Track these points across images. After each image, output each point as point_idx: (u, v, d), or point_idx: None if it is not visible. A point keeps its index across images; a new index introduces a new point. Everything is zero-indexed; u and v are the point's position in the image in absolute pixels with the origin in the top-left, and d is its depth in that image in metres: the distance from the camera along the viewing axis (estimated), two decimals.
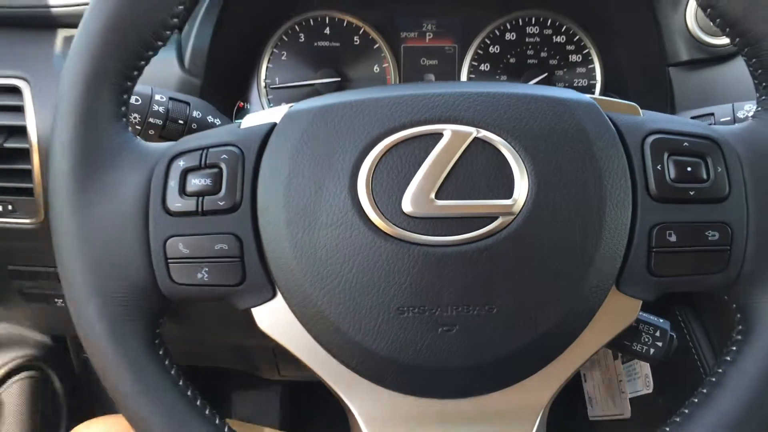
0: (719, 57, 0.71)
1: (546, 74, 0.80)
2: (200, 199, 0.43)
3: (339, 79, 0.81)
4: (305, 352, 0.44)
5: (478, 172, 0.42)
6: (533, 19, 0.81)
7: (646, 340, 0.50)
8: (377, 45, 0.82)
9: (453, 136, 0.42)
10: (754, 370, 0.42)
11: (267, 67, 0.82)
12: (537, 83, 0.79)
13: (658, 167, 0.43)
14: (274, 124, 0.44)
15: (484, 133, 0.42)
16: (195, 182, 0.43)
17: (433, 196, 0.41)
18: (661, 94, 0.72)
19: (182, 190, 0.43)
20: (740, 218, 0.42)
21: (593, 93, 0.81)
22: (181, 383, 0.44)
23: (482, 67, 0.82)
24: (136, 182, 0.44)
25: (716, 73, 0.71)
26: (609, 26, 0.80)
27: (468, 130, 0.42)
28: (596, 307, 0.42)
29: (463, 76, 0.82)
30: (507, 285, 0.41)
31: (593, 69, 0.81)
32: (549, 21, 0.81)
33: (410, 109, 0.43)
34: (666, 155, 0.43)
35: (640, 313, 0.51)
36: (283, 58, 0.82)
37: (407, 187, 0.41)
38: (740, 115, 0.57)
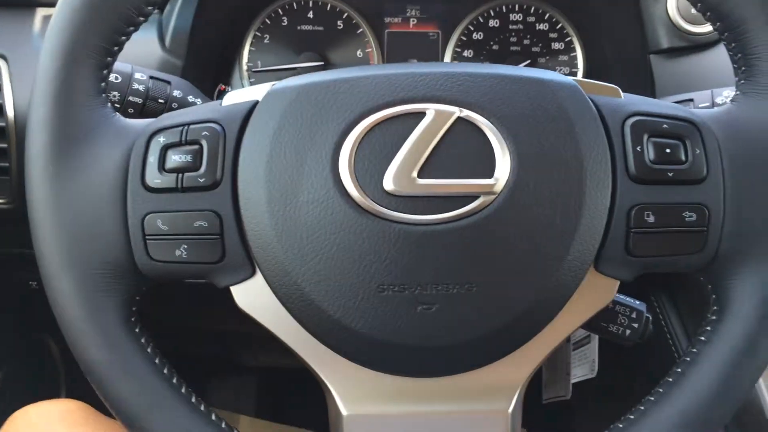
0: (699, 45, 0.72)
1: (528, 61, 0.81)
2: (180, 175, 0.43)
3: (322, 63, 0.81)
4: (283, 331, 0.44)
5: (460, 151, 0.42)
6: (516, 7, 0.81)
7: (623, 321, 0.50)
8: (361, 30, 0.82)
9: (436, 116, 0.42)
10: (729, 350, 0.43)
11: (249, 50, 0.82)
12: None
13: (638, 148, 0.43)
14: (257, 102, 0.44)
15: (467, 113, 0.42)
16: (175, 158, 0.43)
17: (415, 174, 0.41)
18: (642, 82, 0.73)
19: (162, 167, 0.43)
20: (717, 200, 0.43)
21: None
22: (157, 361, 0.44)
23: (465, 53, 0.82)
24: (114, 158, 0.43)
25: (696, 61, 0.72)
26: (591, 14, 0.80)
27: (451, 109, 0.42)
28: (574, 287, 0.43)
29: None
30: (487, 264, 0.41)
31: (575, 57, 0.82)
32: (532, 8, 0.81)
33: (394, 88, 0.43)
34: (646, 137, 0.43)
35: (617, 295, 0.52)
36: (265, 41, 0.82)
37: (389, 166, 0.41)
38: (719, 100, 0.58)
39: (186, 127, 0.43)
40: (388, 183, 0.41)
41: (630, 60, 0.76)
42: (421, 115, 0.42)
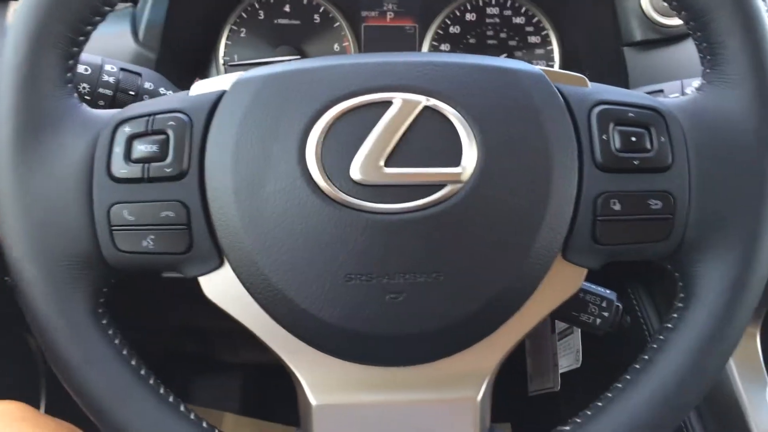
0: (672, 37, 0.72)
1: (506, 55, 0.81)
2: (146, 165, 0.42)
3: (298, 57, 0.81)
4: (252, 321, 0.44)
5: (427, 140, 0.42)
6: (493, 0, 0.81)
7: (593, 310, 0.50)
8: (337, 23, 0.82)
9: (403, 105, 0.42)
10: (695, 336, 0.43)
11: (225, 44, 0.81)
12: None
13: (604, 137, 0.43)
14: (224, 92, 0.44)
15: (433, 102, 0.42)
16: (141, 148, 0.43)
17: (382, 163, 0.41)
18: (615, 74, 0.74)
19: (128, 157, 0.43)
20: (682, 188, 0.43)
21: None
22: (125, 352, 0.43)
23: (442, 47, 0.82)
24: (79, 148, 0.43)
25: (668, 53, 0.73)
26: (567, 8, 0.80)
27: (417, 98, 0.42)
28: (542, 275, 0.43)
29: None
30: (454, 253, 0.41)
31: (551, 50, 0.82)
32: (508, 2, 0.82)
33: (360, 76, 0.42)
34: (612, 125, 0.43)
35: (588, 285, 0.52)
36: (242, 35, 0.82)
37: (356, 155, 0.41)
38: (688, 91, 0.58)
39: (152, 117, 0.43)
40: (355, 172, 0.41)
41: (604, 52, 0.76)
42: (387, 104, 0.42)
